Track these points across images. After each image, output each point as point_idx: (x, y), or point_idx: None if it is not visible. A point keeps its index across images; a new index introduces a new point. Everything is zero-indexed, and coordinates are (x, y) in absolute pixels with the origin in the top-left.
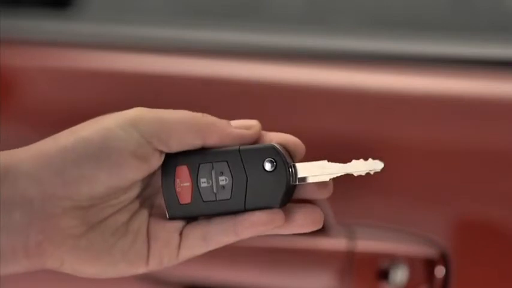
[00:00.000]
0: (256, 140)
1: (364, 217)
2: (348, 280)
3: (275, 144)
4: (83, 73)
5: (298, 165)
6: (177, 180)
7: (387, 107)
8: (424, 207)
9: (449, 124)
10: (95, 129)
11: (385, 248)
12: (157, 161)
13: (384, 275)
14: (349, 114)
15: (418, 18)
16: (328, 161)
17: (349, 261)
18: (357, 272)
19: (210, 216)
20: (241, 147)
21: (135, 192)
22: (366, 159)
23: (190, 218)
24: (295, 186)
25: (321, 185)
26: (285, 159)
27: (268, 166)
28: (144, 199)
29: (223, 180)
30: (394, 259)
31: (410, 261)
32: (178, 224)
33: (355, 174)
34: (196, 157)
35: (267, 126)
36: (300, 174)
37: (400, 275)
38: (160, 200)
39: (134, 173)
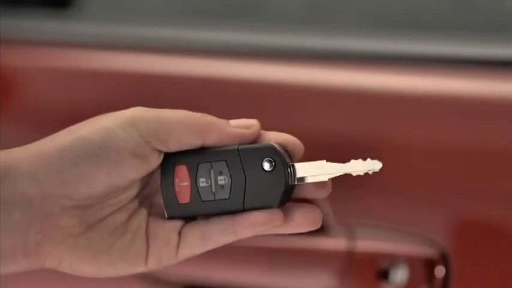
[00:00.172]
0: (256, 140)
1: (364, 217)
2: (348, 280)
3: (274, 144)
4: (83, 73)
5: (297, 165)
6: (176, 180)
7: (387, 107)
8: (424, 207)
9: (449, 124)
10: (94, 128)
11: (385, 248)
12: (156, 161)
13: (384, 275)
14: (349, 114)
15: (418, 18)
16: (327, 161)
17: (349, 261)
18: (357, 272)
19: (209, 215)
20: (240, 147)
21: (134, 191)
22: (364, 159)
23: (189, 218)
24: (294, 186)
25: (320, 184)
26: (283, 159)
27: (267, 166)
28: (143, 198)
29: (222, 180)
30: (394, 259)
31: (410, 261)
32: (177, 224)
33: (354, 174)
34: (195, 157)
35: (266, 126)
36: (298, 174)
37: (400, 275)
38: (159, 200)
39: (133, 172)
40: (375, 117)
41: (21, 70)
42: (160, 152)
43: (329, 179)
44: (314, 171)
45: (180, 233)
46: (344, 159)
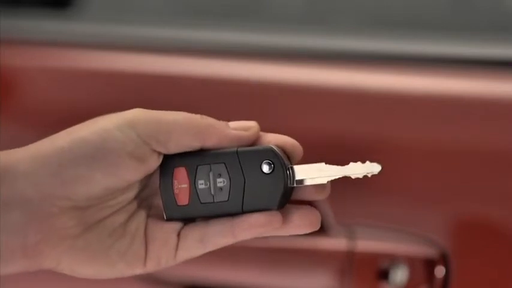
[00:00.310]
0: (255, 142)
1: (364, 217)
2: (348, 280)
3: (273, 147)
4: (83, 73)
5: (295, 167)
6: (175, 182)
7: (387, 107)
8: (424, 207)
9: (449, 124)
10: (93, 130)
11: (385, 248)
12: (155, 162)
13: (384, 275)
14: (349, 114)
15: (418, 18)
16: (326, 163)
17: (349, 261)
18: (357, 272)
19: (207, 217)
20: (239, 149)
21: (132, 193)
22: (363, 161)
23: (188, 220)
24: (292, 188)
25: (319, 186)
26: (282, 162)
27: (266, 168)
28: (142, 200)
29: (221, 182)
30: (394, 259)
31: (410, 261)
32: (176, 225)
33: (353, 177)
34: (194, 159)
35: (266, 127)
36: (297, 177)
37: (400, 275)
38: (158, 201)
39: (131, 174)
40: (375, 117)
41: (21, 70)
42: (159, 153)
43: (328, 181)
44: (313, 174)
45: (179, 235)
46: (344, 159)
